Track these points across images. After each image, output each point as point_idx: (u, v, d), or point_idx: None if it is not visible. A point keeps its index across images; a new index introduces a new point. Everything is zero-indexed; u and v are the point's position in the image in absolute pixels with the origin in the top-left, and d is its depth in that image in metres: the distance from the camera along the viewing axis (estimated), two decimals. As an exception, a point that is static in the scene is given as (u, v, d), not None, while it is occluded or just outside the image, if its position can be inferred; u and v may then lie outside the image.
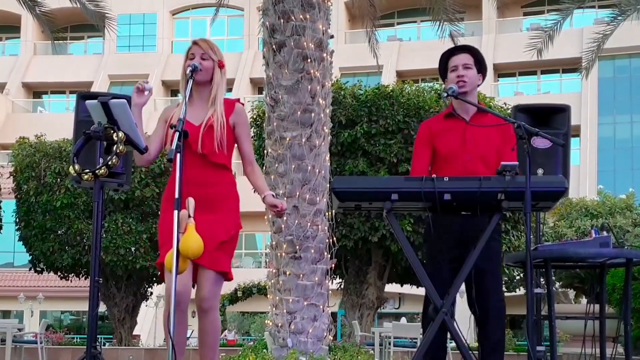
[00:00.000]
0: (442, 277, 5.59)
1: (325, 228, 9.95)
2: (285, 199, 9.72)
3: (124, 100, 5.39)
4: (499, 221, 5.68)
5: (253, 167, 5.73)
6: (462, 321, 5.69)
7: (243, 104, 5.81)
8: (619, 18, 15.89)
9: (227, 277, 5.62)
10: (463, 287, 5.73)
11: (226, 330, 31.63)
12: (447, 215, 5.57)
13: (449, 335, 5.80)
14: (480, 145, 5.87)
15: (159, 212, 5.82)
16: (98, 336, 5.72)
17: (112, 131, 5.34)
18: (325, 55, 10.16)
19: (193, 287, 5.61)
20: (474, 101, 5.98)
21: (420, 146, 6.04)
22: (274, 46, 10.05)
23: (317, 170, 9.86)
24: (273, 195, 5.63)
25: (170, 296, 5.11)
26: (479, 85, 6.14)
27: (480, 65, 6.07)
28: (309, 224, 9.72)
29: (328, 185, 9.85)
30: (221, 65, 5.68)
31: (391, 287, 23.52)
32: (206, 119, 5.56)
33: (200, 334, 5.64)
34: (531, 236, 5.35)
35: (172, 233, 5.13)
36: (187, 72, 5.51)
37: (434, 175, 5.40)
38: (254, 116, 19.51)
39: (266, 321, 10.15)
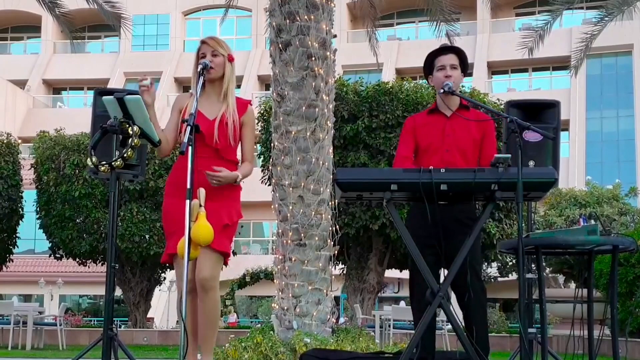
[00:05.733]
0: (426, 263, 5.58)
1: (329, 217, 9.94)
2: (291, 189, 9.73)
3: (139, 96, 5.40)
4: (477, 213, 5.68)
5: (248, 163, 5.77)
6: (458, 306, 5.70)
7: (251, 105, 5.85)
8: (606, 19, 15.87)
9: (226, 260, 5.63)
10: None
11: (230, 314, 31.62)
12: (426, 204, 5.53)
13: (438, 318, 5.83)
14: (459, 139, 5.93)
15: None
16: (114, 319, 5.72)
17: (127, 125, 5.35)
18: (328, 53, 10.14)
19: None
20: (456, 99, 6.02)
21: (405, 136, 6.12)
22: (280, 45, 10.03)
23: (321, 162, 9.85)
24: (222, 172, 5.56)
25: (182, 282, 5.12)
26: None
27: (464, 65, 6.10)
28: (313, 213, 9.72)
29: (331, 176, 9.84)
30: (231, 59, 5.70)
31: (391, 273, 23.55)
32: (220, 115, 5.56)
33: (202, 313, 5.60)
34: (523, 224, 5.35)
35: (180, 222, 5.13)
36: (198, 69, 5.51)
37: (431, 167, 5.40)
38: (262, 111, 19.52)
39: (273, 305, 10.14)
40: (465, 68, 6.12)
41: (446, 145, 5.92)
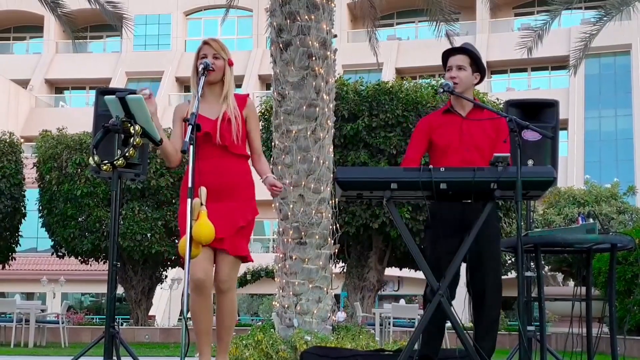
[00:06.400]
0: (443, 262, 5.58)
1: (329, 215, 9.95)
2: (291, 188, 9.73)
3: (140, 96, 5.39)
4: (496, 208, 5.66)
5: (260, 156, 5.77)
6: (458, 303, 5.68)
7: (249, 97, 5.85)
8: (605, 19, 15.86)
9: (247, 259, 5.64)
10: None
11: None
12: (447, 204, 5.56)
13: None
14: (476, 138, 5.87)
15: (174, 201, 5.81)
16: (116, 317, 5.72)
17: (129, 124, 5.35)
18: (329, 53, 10.15)
19: None
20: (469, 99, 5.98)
21: (417, 138, 6.03)
22: (280, 45, 10.04)
23: (322, 161, 9.85)
24: (274, 178, 5.65)
25: (190, 281, 5.13)
26: (477, 84, 6.11)
27: (476, 65, 6.03)
28: (313, 211, 9.72)
29: (332, 175, 9.84)
30: (230, 64, 5.70)
31: (391, 271, 23.58)
32: (222, 113, 5.56)
33: (218, 314, 5.65)
34: (522, 223, 5.34)
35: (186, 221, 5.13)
36: (200, 69, 5.51)
37: (430, 166, 5.40)
38: (262, 110, 19.51)
39: (273, 303, 10.15)
40: (479, 68, 6.03)
41: (465, 145, 5.87)
